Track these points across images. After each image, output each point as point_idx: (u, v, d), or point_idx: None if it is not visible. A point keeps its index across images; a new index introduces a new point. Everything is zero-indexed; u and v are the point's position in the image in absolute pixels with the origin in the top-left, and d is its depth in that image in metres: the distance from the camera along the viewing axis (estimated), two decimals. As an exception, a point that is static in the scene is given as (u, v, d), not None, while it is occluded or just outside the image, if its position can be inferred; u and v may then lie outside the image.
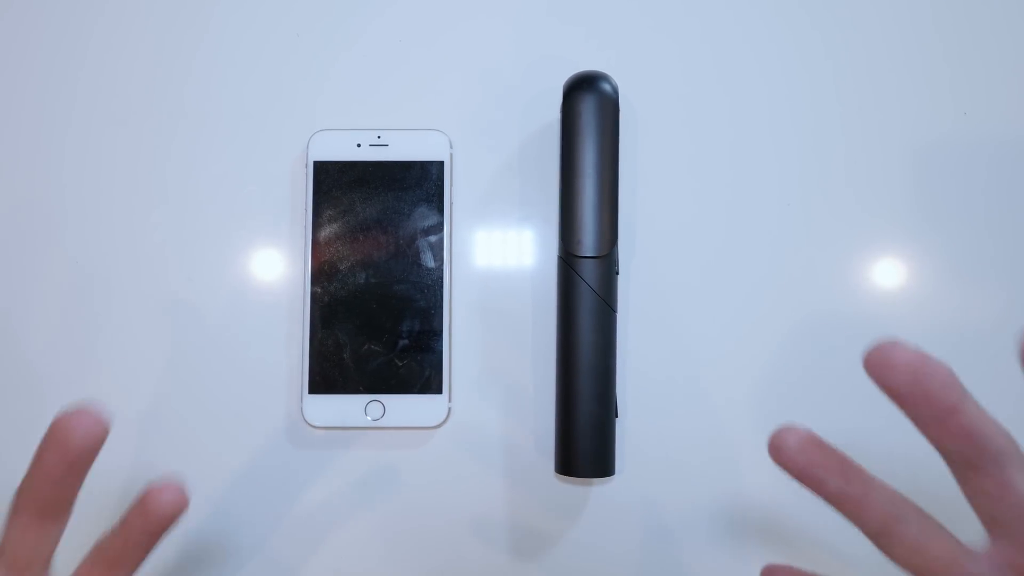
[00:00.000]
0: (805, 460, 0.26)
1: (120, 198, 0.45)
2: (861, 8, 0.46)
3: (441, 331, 0.43)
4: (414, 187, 0.44)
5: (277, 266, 0.45)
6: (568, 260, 0.41)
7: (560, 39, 0.46)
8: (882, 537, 0.26)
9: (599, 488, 0.44)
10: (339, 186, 0.44)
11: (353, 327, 0.43)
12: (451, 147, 0.44)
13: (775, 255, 0.45)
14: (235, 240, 0.45)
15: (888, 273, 0.45)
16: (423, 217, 0.43)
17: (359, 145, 0.44)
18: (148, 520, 0.29)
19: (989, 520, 0.25)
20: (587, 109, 0.41)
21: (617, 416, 0.42)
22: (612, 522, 0.44)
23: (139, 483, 0.43)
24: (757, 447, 0.44)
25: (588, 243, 0.41)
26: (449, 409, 0.43)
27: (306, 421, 0.43)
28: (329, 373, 0.43)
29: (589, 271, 0.41)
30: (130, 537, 0.30)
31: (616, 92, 0.41)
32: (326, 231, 0.43)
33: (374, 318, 0.43)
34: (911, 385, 0.23)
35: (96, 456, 0.28)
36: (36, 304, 0.45)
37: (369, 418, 0.42)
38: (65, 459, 0.28)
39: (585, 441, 0.41)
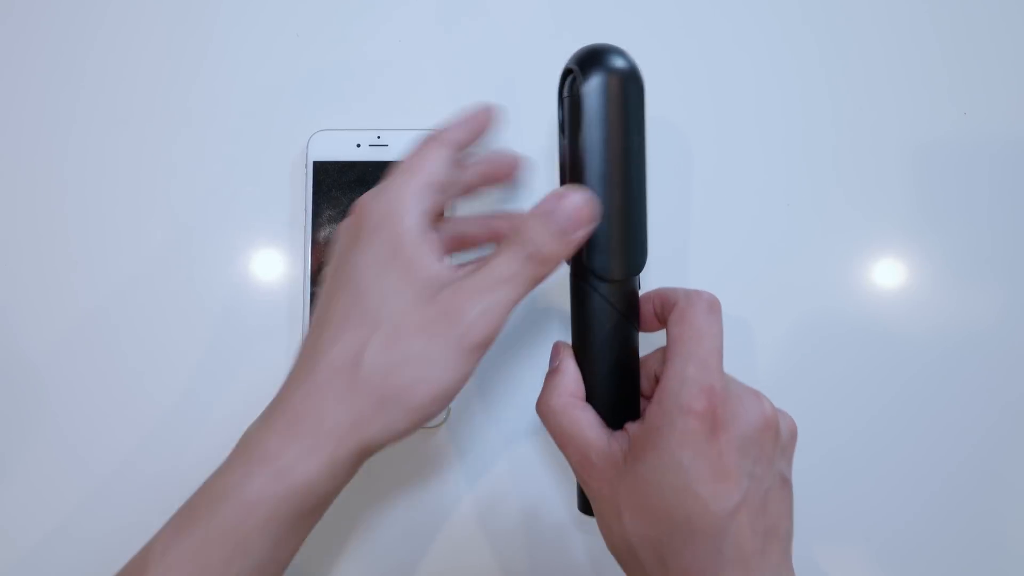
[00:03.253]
0: None
1: (121, 198, 0.45)
2: (860, 9, 0.46)
3: (441, 331, 0.43)
4: (414, 187, 0.44)
5: (277, 266, 0.45)
6: (591, 283, 0.34)
7: (560, 39, 0.46)
8: None
9: (599, 488, 0.44)
10: (339, 186, 0.44)
11: (353, 327, 0.43)
12: (451, 147, 0.44)
13: (775, 255, 0.45)
14: (235, 240, 0.45)
15: (888, 273, 0.45)
16: (423, 217, 0.43)
17: (359, 145, 0.44)
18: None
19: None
20: (611, 93, 0.32)
21: None
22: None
23: (140, 483, 0.43)
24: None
25: (618, 265, 0.33)
26: (449, 409, 0.43)
27: (306, 421, 0.43)
28: (329, 373, 0.43)
29: (615, 294, 0.34)
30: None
31: (636, 69, 0.33)
32: (326, 231, 0.43)
33: (374, 318, 0.43)
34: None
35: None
36: (37, 303, 0.45)
37: (369, 418, 0.42)
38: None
39: None
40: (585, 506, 0.38)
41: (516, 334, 0.44)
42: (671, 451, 0.30)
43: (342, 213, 0.43)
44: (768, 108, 0.46)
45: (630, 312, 0.35)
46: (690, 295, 0.33)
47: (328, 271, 0.33)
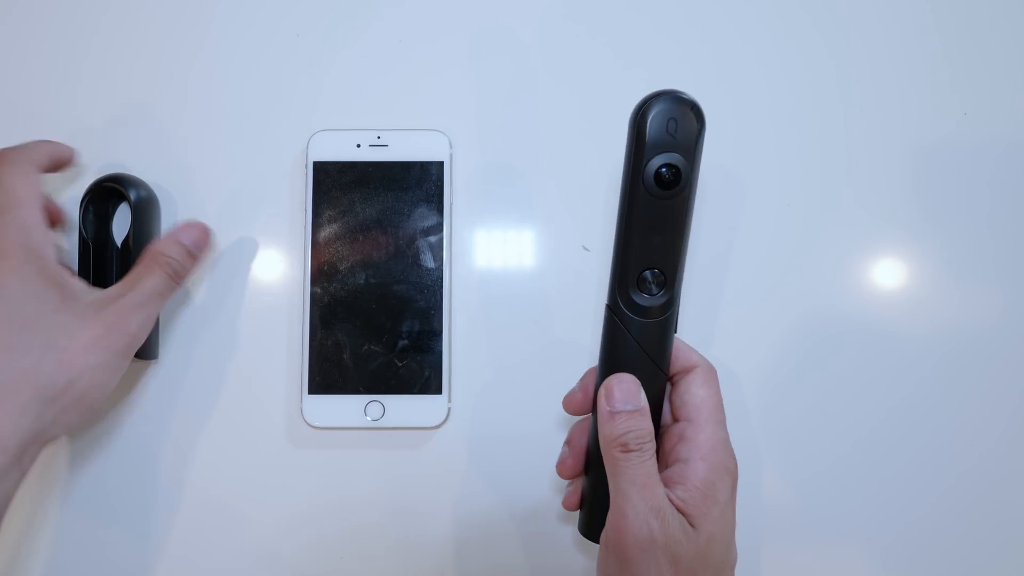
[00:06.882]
0: None
1: (120, 198, 0.45)
2: (862, 9, 0.46)
3: (441, 331, 0.43)
4: (414, 187, 0.44)
5: (277, 266, 0.45)
6: (619, 315, 0.34)
7: (559, 38, 0.46)
8: None
9: (599, 488, 0.44)
10: (339, 186, 0.44)
11: (353, 327, 0.43)
12: (451, 147, 0.44)
13: (776, 255, 0.45)
14: (235, 240, 0.45)
15: (888, 273, 0.45)
16: (423, 217, 0.43)
17: (359, 145, 0.44)
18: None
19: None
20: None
21: None
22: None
23: (141, 482, 0.43)
24: (760, 447, 0.44)
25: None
26: (449, 409, 0.43)
27: (306, 421, 0.43)
28: (329, 373, 0.43)
29: (641, 330, 0.34)
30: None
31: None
32: (326, 231, 0.43)
33: (374, 318, 0.43)
34: None
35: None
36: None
37: (369, 418, 0.43)
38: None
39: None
40: (589, 532, 0.37)
41: (515, 335, 0.44)
42: (725, 506, 0.34)
43: (342, 213, 0.43)
44: (768, 108, 0.45)
45: (661, 355, 0.35)
46: (706, 362, 0.36)
47: None
